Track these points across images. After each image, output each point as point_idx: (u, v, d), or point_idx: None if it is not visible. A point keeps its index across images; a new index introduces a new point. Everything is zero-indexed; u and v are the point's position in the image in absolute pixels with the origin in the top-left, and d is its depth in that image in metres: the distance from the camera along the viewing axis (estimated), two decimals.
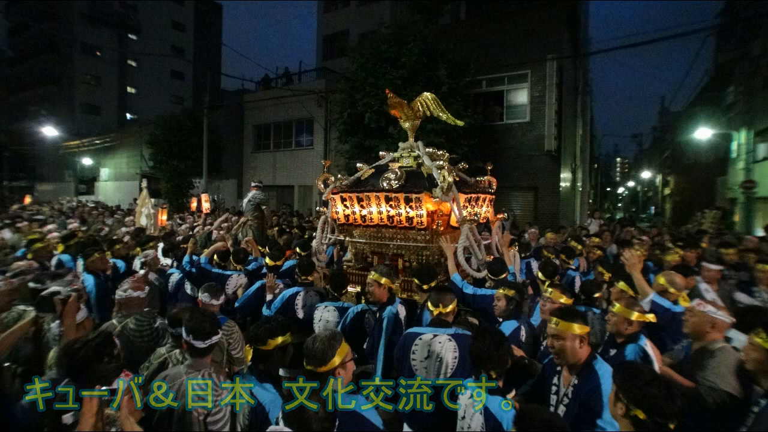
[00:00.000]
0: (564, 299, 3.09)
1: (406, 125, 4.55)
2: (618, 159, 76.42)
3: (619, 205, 53.51)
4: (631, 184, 51.04)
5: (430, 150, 4.46)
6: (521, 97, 12.05)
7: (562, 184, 11.75)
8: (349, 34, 20.54)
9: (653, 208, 38.94)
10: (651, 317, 2.69)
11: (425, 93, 4.42)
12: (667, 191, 30.08)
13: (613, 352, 2.67)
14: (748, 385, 2.22)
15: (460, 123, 4.74)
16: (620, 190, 58.21)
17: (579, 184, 12.92)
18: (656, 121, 39.54)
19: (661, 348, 2.77)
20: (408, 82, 9.88)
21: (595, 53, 15.49)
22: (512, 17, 12.40)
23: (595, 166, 27.49)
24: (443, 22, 14.16)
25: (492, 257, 4.34)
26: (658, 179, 35.10)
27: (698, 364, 2.44)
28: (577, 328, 2.16)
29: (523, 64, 11.46)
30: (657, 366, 2.43)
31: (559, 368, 2.30)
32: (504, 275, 3.68)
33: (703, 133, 15.03)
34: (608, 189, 51.36)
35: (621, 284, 3.41)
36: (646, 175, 39.70)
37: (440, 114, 4.38)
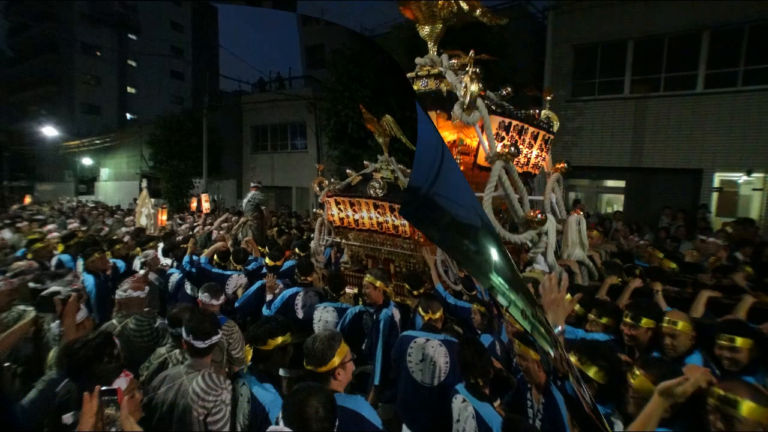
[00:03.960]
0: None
1: (380, 140, 4.39)
2: None
3: None
4: None
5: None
6: None
7: None
8: (324, 48, 20.94)
9: None
10: None
11: (387, 116, 4.26)
12: None
13: None
14: None
15: (412, 148, 4.43)
16: None
17: None
18: None
19: None
20: (375, 100, 9.77)
21: None
22: None
23: None
24: None
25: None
26: None
27: None
28: (534, 354, 2.15)
29: None
30: None
31: (529, 385, 2.29)
32: (474, 292, 3.60)
33: None
34: None
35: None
36: None
37: (401, 137, 4.22)
